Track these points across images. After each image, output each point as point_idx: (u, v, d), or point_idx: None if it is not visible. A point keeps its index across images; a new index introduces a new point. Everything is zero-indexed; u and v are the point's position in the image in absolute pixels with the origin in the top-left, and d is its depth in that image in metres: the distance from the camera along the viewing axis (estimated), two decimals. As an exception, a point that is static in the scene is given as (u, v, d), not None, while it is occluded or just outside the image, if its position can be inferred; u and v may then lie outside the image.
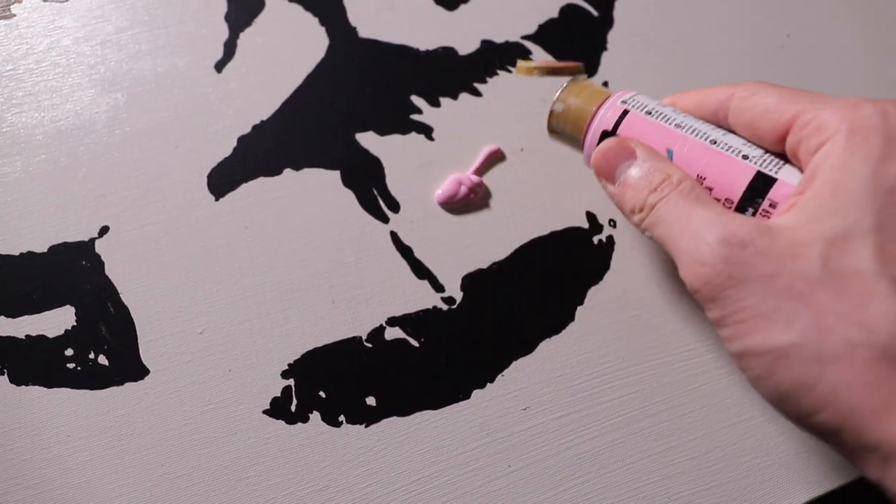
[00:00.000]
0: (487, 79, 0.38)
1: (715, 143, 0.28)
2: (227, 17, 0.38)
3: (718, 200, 0.27)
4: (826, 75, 0.40)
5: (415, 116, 0.37)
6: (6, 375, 0.31)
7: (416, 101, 0.37)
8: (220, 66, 0.37)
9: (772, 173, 0.27)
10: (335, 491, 0.31)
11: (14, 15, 0.37)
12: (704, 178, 0.28)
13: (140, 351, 0.32)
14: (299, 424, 0.32)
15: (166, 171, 0.35)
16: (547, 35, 0.40)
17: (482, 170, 0.36)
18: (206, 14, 0.38)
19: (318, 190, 0.36)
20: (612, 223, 0.36)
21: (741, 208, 0.27)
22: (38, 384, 0.32)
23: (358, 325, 0.34)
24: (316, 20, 0.39)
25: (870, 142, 0.24)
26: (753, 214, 0.27)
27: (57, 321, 0.32)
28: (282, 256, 0.34)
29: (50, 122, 0.35)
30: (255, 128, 0.36)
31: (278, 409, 0.32)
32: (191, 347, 0.33)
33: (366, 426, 0.32)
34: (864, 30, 0.41)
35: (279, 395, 0.32)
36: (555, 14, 0.40)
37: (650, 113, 0.29)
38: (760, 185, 0.27)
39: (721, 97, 0.29)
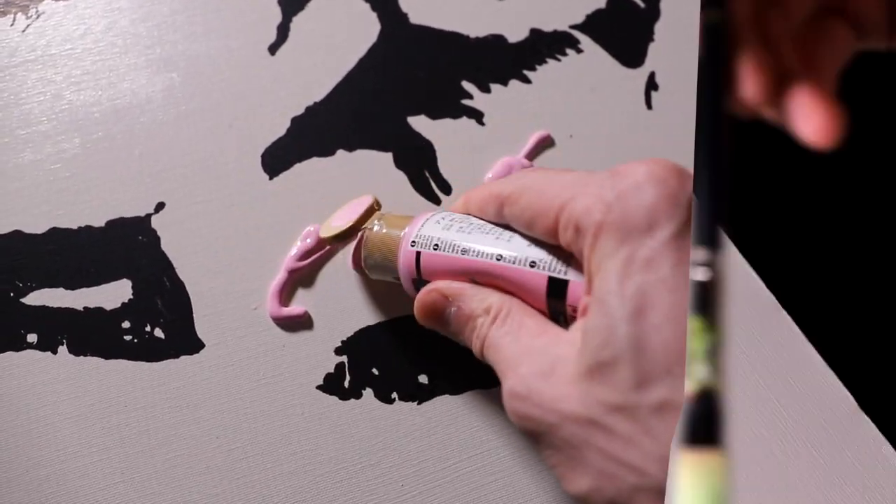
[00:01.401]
0: (537, 66, 0.39)
1: (501, 258, 0.26)
2: (280, 2, 0.39)
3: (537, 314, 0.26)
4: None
5: (466, 101, 0.38)
6: (66, 345, 0.32)
7: (467, 86, 0.38)
8: (273, 49, 0.38)
9: (562, 275, 0.25)
10: (388, 466, 0.32)
11: (72, -4, 0.38)
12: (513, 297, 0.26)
13: (195, 325, 0.33)
14: (352, 400, 0.32)
15: (220, 150, 0.36)
16: (594, 25, 0.40)
17: (532, 155, 0.37)
18: (258, -1, 0.39)
19: (371, 171, 0.36)
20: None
21: (554, 318, 0.25)
22: (95, 355, 0.32)
23: (411, 303, 0.34)
24: (367, 6, 0.39)
25: (609, 242, 0.22)
26: (566, 321, 0.25)
27: (114, 294, 0.33)
28: (335, 235, 0.35)
29: (107, 101, 0.36)
30: (308, 109, 0.37)
31: (332, 384, 0.33)
32: (245, 322, 0.33)
33: (418, 403, 0.33)
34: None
35: (332, 370, 0.33)
36: (602, 4, 0.41)
37: (437, 247, 0.28)
38: (557, 291, 0.25)
39: (500, 198, 0.27)
